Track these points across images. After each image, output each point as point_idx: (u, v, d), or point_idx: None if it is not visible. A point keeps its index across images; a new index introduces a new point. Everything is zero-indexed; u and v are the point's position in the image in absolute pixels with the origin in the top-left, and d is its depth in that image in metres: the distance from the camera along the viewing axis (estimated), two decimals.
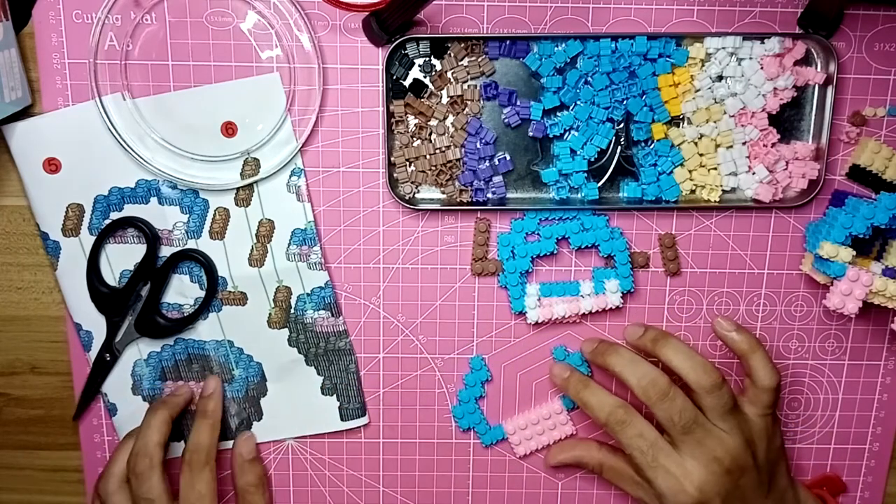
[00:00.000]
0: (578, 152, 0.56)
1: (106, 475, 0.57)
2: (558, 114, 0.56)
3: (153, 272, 0.58)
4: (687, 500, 0.53)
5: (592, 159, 0.57)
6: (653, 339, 0.57)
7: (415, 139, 0.57)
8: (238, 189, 0.57)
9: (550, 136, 0.56)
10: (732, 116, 0.56)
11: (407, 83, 0.56)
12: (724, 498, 0.54)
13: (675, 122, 0.57)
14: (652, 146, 0.57)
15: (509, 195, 0.58)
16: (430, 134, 0.57)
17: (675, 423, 0.54)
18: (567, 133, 0.57)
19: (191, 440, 0.58)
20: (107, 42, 0.54)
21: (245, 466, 0.60)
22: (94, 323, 0.59)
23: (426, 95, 0.56)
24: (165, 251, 0.58)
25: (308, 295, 0.59)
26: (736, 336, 0.56)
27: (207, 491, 0.56)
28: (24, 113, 0.55)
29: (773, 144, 0.57)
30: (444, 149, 0.57)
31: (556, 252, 0.58)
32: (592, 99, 0.55)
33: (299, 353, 0.60)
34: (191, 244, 0.58)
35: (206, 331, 0.59)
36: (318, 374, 0.61)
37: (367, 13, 0.53)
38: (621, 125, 0.57)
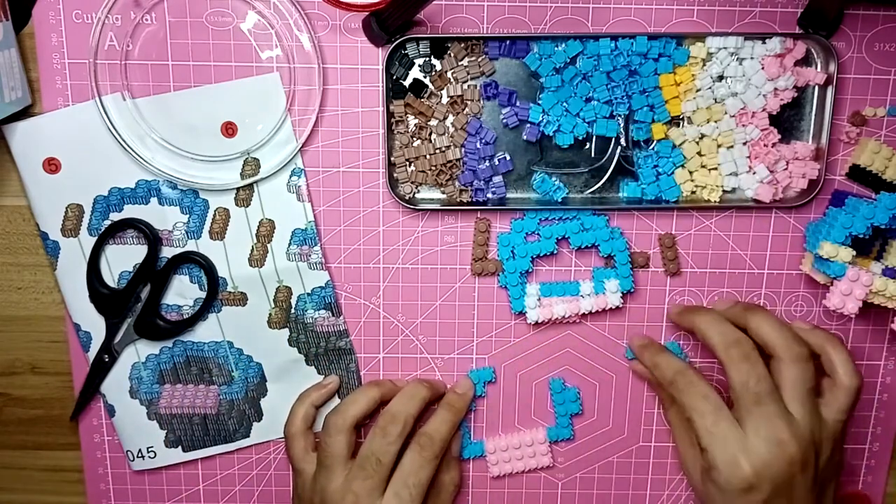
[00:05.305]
0: (566, 133, 0.56)
1: (343, 412, 0.56)
2: (550, 112, 0.56)
3: (153, 274, 0.58)
4: (739, 478, 0.50)
5: (581, 137, 0.56)
6: (743, 308, 0.56)
7: (415, 139, 0.57)
8: (238, 189, 0.57)
9: (548, 133, 0.56)
10: (733, 116, 0.56)
11: (407, 83, 0.56)
12: (775, 488, 0.50)
13: (674, 122, 0.57)
14: (653, 147, 0.57)
15: (509, 195, 0.58)
16: (430, 134, 0.57)
17: (749, 388, 0.50)
18: (556, 123, 0.56)
19: (430, 424, 0.57)
20: (107, 42, 0.54)
21: (452, 462, 0.61)
22: (93, 323, 0.59)
23: (426, 95, 0.56)
24: (165, 252, 0.58)
25: (308, 295, 0.59)
26: (811, 331, 0.55)
27: (426, 479, 0.55)
28: (24, 113, 0.55)
29: (774, 144, 0.57)
30: (444, 149, 0.57)
31: (556, 252, 0.58)
32: (589, 94, 0.55)
33: (299, 352, 0.60)
34: (191, 244, 0.58)
35: (205, 332, 0.59)
36: (319, 373, 0.61)
37: (367, 13, 0.53)
38: (622, 124, 0.57)
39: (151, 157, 0.56)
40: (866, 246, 0.56)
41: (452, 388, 0.60)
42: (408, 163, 0.57)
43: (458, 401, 0.59)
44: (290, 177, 0.57)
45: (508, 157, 0.57)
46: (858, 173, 0.58)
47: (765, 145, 0.57)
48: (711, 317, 0.55)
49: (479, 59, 0.55)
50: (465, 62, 0.56)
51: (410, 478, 0.54)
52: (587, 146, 0.57)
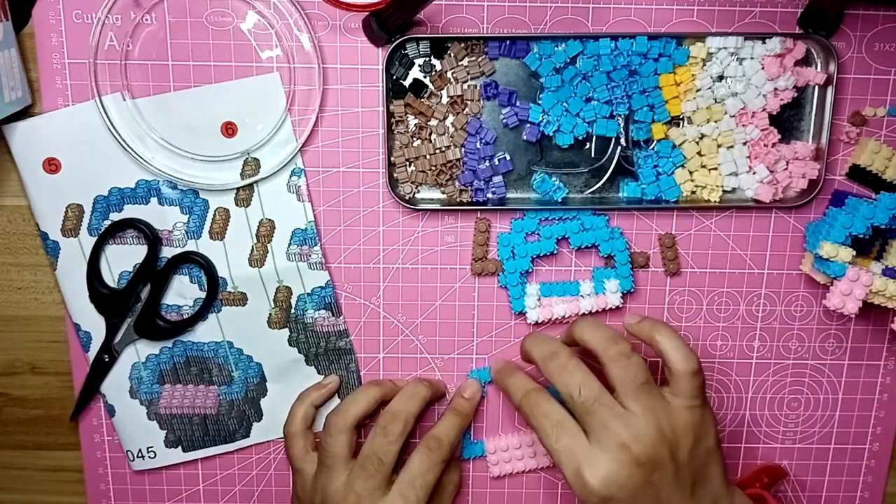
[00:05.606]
0: (566, 133, 0.56)
1: (344, 411, 0.56)
2: (550, 112, 0.56)
3: (153, 274, 0.58)
4: (589, 492, 0.48)
5: (581, 137, 0.56)
6: (572, 324, 0.55)
7: (415, 139, 0.57)
8: (238, 189, 0.57)
9: (548, 133, 0.56)
10: (733, 116, 0.56)
11: (407, 83, 0.56)
12: (632, 494, 0.48)
13: (674, 122, 0.57)
14: (653, 147, 0.57)
15: (509, 195, 0.58)
16: (430, 134, 0.57)
17: (575, 399, 0.49)
18: (556, 123, 0.56)
19: (439, 428, 0.57)
20: (107, 42, 0.54)
21: (452, 464, 0.61)
22: (93, 324, 0.59)
23: (426, 95, 0.56)
24: (165, 252, 0.58)
25: (308, 295, 0.59)
26: (639, 323, 0.54)
27: (433, 482, 0.55)
28: (24, 113, 0.55)
29: (774, 144, 0.57)
30: (444, 149, 0.57)
31: (556, 252, 0.58)
32: (589, 94, 0.55)
33: (299, 352, 0.60)
34: (191, 245, 0.58)
35: (205, 332, 0.59)
36: (319, 373, 0.61)
37: (367, 13, 0.53)
38: (622, 124, 0.57)
39: (151, 157, 0.56)
40: (866, 246, 0.56)
41: (460, 393, 0.60)
42: (408, 163, 0.57)
43: (466, 405, 0.59)
44: (290, 177, 0.57)
45: (508, 157, 0.57)
46: (858, 173, 0.58)
47: (765, 145, 0.57)
48: (532, 338, 0.56)
49: (479, 59, 0.55)
50: (465, 62, 0.56)
51: (418, 479, 0.54)
52: (587, 146, 0.57)
